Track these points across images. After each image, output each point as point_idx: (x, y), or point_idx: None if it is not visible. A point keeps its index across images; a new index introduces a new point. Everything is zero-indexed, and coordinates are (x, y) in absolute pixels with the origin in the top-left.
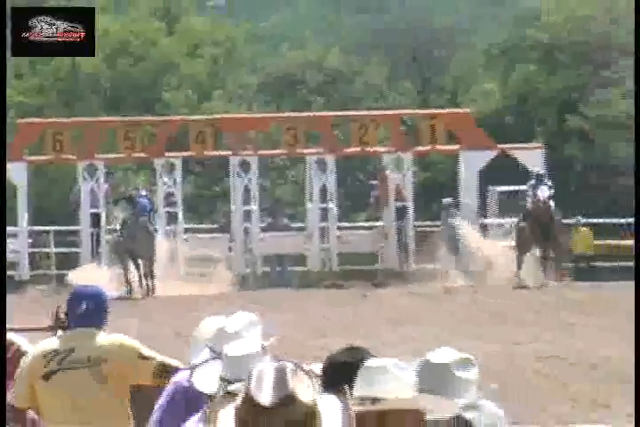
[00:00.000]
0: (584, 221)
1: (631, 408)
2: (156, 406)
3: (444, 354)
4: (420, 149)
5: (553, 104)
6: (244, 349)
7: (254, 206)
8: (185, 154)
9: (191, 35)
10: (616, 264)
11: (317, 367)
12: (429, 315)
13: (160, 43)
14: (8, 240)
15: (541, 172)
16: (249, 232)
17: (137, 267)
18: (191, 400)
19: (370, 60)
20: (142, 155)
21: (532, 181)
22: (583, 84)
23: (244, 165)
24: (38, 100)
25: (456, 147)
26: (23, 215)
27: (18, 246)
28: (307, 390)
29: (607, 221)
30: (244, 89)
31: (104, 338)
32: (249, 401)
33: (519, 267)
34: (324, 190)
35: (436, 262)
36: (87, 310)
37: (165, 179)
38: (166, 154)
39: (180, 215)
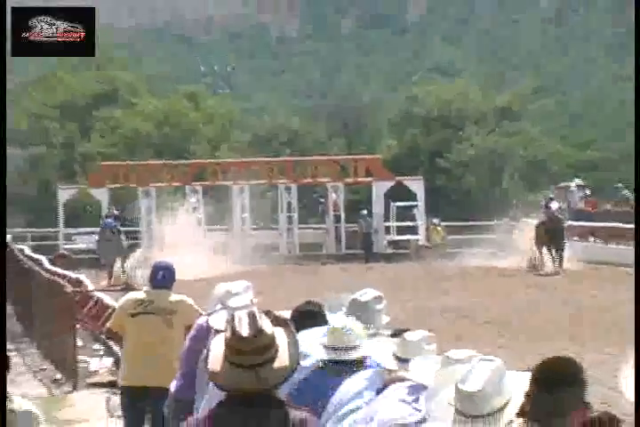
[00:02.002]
0: (438, 221)
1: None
2: (187, 338)
3: (366, 294)
4: (348, 180)
5: (428, 152)
6: (241, 302)
7: (246, 214)
8: (204, 183)
9: (207, 110)
10: (460, 250)
11: (286, 313)
12: (355, 283)
13: (188, 116)
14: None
15: (551, 195)
16: (244, 231)
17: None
18: (208, 334)
19: (317, 124)
20: (178, 184)
21: (544, 201)
22: (447, 141)
23: (241, 190)
24: (114, 151)
25: (370, 179)
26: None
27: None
28: (268, 326)
29: (457, 224)
30: (240, 143)
31: (174, 297)
32: (234, 333)
33: (541, 257)
34: (289, 205)
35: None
36: (162, 277)
37: (192, 199)
38: (192, 183)
39: (203, 221)
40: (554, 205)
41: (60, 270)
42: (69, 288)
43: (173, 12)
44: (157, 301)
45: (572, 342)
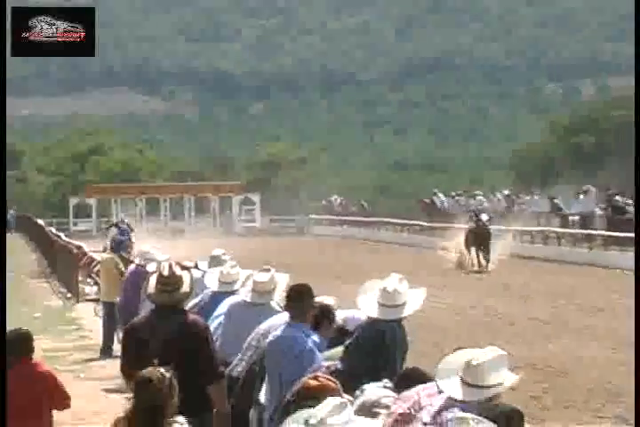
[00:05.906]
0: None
1: None
2: (125, 276)
3: (217, 251)
4: (221, 195)
5: (263, 182)
6: (160, 257)
7: (168, 213)
8: (146, 196)
9: (149, 158)
10: (279, 231)
11: (189, 263)
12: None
13: (139, 161)
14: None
15: (480, 207)
16: (166, 222)
17: None
18: (138, 274)
19: (207, 167)
20: (132, 196)
21: (472, 213)
22: (271, 177)
23: (164, 200)
24: (98, 179)
25: (232, 194)
26: (94, 219)
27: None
28: (178, 270)
29: (280, 217)
30: (166, 176)
31: (122, 258)
32: (160, 274)
33: (470, 257)
34: (190, 209)
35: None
36: (118, 247)
37: (139, 205)
38: (140, 196)
39: (144, 217)
40: (483, 217)
41: (69, 240)
42: (75, 250)
43: (132, 108)
44: (115, 258)
45: None
